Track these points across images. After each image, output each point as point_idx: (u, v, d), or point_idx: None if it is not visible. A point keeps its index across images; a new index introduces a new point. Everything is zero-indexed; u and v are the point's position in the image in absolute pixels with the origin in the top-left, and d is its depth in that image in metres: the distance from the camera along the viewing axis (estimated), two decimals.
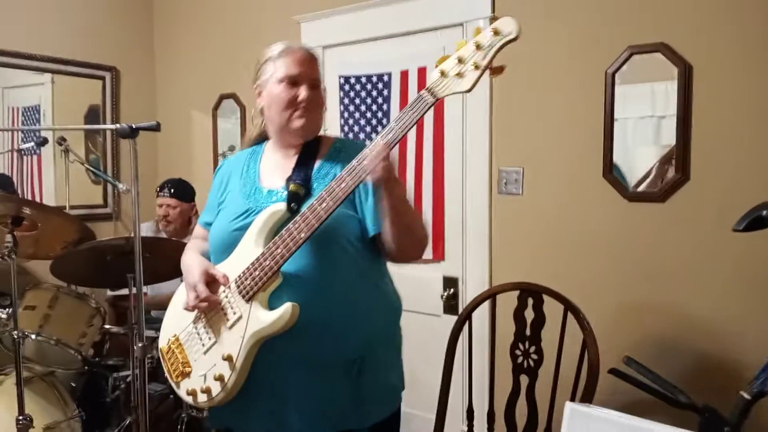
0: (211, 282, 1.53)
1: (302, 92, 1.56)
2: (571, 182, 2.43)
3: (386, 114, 2.95)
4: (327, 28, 3.13)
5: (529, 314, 2.07)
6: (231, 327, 1.49)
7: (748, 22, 2.04)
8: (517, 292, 2.10)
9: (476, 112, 2.65)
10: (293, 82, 1.57)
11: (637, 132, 2.30)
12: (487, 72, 1.33)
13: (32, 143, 3.34)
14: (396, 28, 2.87)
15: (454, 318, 2.22)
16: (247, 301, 1.47)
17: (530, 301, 2.07)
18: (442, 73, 1.35)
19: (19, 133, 3.46)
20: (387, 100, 2.95)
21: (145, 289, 3.27)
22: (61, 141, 3.36)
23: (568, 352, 2.00)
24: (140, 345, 2.08)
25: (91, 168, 3.40)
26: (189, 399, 1.56)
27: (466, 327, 2.15)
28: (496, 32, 1.30)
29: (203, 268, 1.55)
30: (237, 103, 3.62)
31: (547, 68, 2.45)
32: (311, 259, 1.46)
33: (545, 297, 2.05)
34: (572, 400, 1.96)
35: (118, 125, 2.00)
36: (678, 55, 2.16)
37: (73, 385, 2.84)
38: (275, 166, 1.63)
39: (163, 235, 3.32)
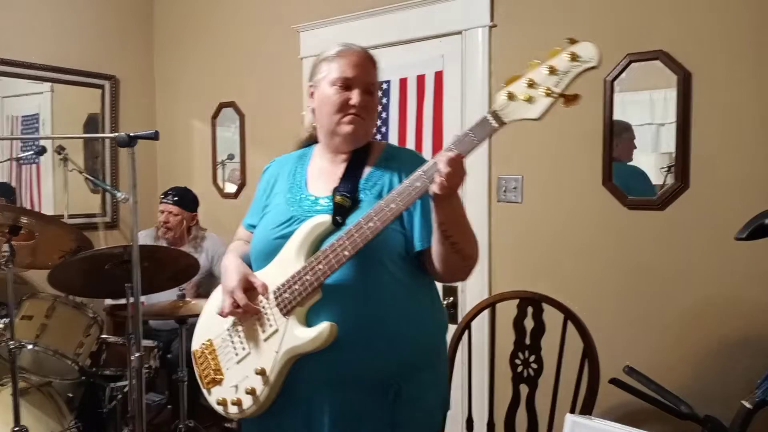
0: (250, 289, 1.50)
1: (355, 96, 1.50)
2: (570, 190, 2.42)
3: (385, 122, 2.95)
4: (326, 36, 3.13)
5: (529, 323, 2.06)
6: (266, 339, 1.46)
7: (747, 29, 2.04)
8: (516, 301, 2.09)
9: (474, 120, 2.64)
10: (346, 85, 1.50)
11: (637, 139, 2.30)
12: (561, 100, 1.21)
13: (31, 152, 3.34)
14: (395, 36, 2.87)
15: (454, 327, 2.21)
16: (285, 314, 1.44)
17: (530, 310, 2.06)
18: (510, 96, 1.24)
19: (18, 142, 3.47)
20: (386, 108, 2.95)
21: (143, 298, 3.27)
22: (60, 150, 3.36)
23: (569, 361, 1.98)
24: (137, 355, 2.07)
25: (89, 177, 3.40)
26: (219, 408, 1.54)
27: (465, 336, 2.13)
28: (573, 57, 1.19)
29: (243, 274, 1.51)
30: (236, 111, 3.63)
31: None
32: (353, 276, 1.41)
33: (545, 306, 2.04)
34: (572, 410, 1.95)
35: (116, 134, 2.00)
36: (677, 63, 2.15)
37: (70, 395, 2.82)
38: (322, 172, 1.58)
39: (163, 242, 3.32)
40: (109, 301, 3.39)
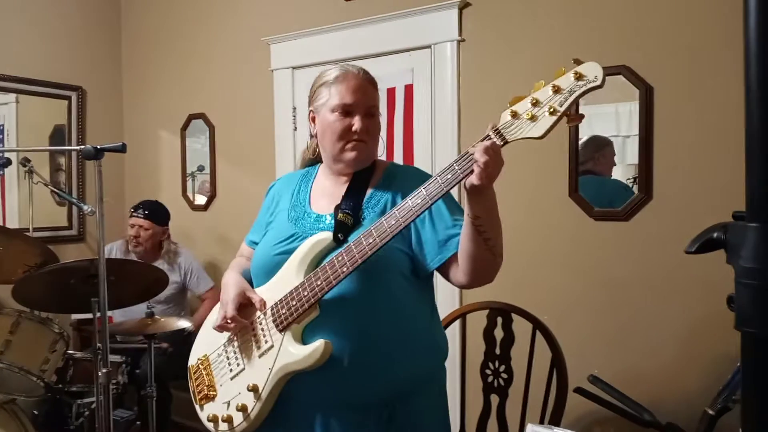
0: (247, 305, 1.49)
1: (356, 123, 1.48)
2: (538, 201, 2.46)
3: None
4: (296, 49, 3.14)
5: (499, 333, 2.08)
6: (261, 356, 1.44)
7: (706, 45, 2.11)
8: (486, 312, 2.11)
9: (444, 133, 2.68)
10: (347, 111, 1.48)
11: None
12: (564, 119, 1.21)
13: None
14: (365, 49, 2.89)
15: None
16: (281, 330, 1.42)
17: (500, 320, 2.08)
18: (514, 114, 1.24)
19: None
20: None
21: (110, 313, 3.22)
22: (25, 162, 3.31)
23: (538, 370, 2.01)
24: (104, 371, 2.04)
25: (55, 189, 3.34)
26: (210, 425, 1.51)
27: None
28: (579, 76, 1.19)
29: (240, 289, 1.51)
30: (206, 123, 3.61)
31: (512, 89, 2.48)
32: (351, 294, 1.39)
33: (514, 316, 2.07)
34: (542, 418, 1.97)
35: (82, 147, 1.98)
36: (639, 77, 2.22)
37: (36, 412, 2.75)
38: (326, 191, 1.56)
39: (133, 255, 3.28)
40: (76, 315, 3.33)
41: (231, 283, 1.54)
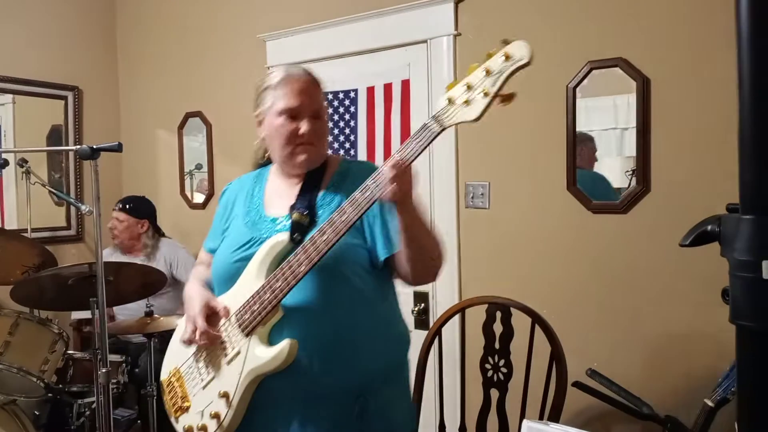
0: (212, 315, 1.49)
1: (303, 126, 1.49)
2: (536, 195, 2.46)
3: (354, 130, 2.96)
4: (292, 46, 3.13)
5: (498, 328, 2.08)
6: (229, 362, 1.45)
7: (703, 37, 2.10)
8: (485, 306, 2.11)
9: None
10: (293, 115, 1.50)
11: (601, 144, 2.35)
12: (497, 100, 1.25)
13: None
14: (361, 45, 2.88)
15: (425, 333, 2.22)
16: (246, 335, 1.42)
17: (498, 315, 2.08)
18: (449, 101, 1.28)
19: None
20: (354, 116, 2.96)
21: (112, 311, 3.22)
22: (23, 163, 3.30)
23: (537, 364, 2.01)
24: (104, 370, 2.04)
25: (52, 190, 3.34)
26: None
27: (436, 342, 2.15)
28: (507, 57, 1.23)
29: (204, 300, 1.50)
30: (203, 121, 3.60)
31: (510, 83, 2.48)
32: (314, 292, 1.41)
33: (513, 310, 2.06)
34: (541, 413, 1.97)
35: (78, 147, 1.97)
36: (636, 69, 2.21)
37: (37, 413, 2.75)
38: (280, 193, 1.58)
39: (118, 251, 3.35)
40: (76, 315, 3.34)
41: (195, 296, 1.54)
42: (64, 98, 3.74)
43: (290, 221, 1.47)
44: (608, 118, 2.33)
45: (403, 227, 1.36)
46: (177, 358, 1.61)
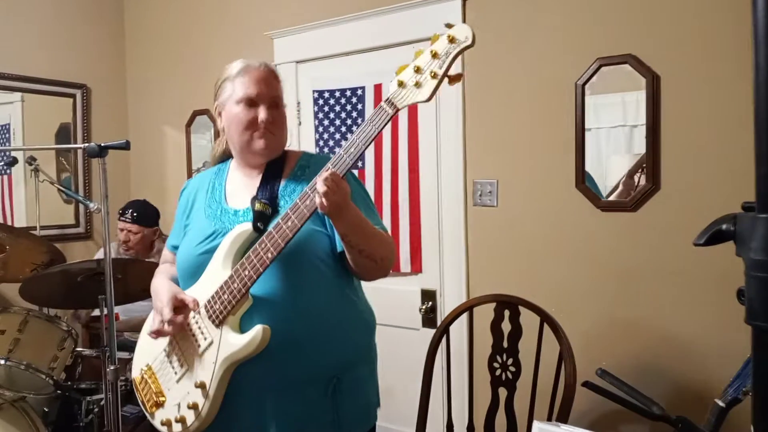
0: (181, 307, 1.49)
1: (261, 113, 1.52)
2: (544, 193, 2.44)
3: None
4: (300, 43, 3.13)
5: (506, 326, 2.07)
6: (203, 353, 1.46)
7: (713, 33, 2.08)
8: (493, 305, 2.10)
9: (449, 126, 2.66)
10: (252, 102, 1.52)
11: (610, 141, 2.32)
12: (446, 80, 1.30)
13: (2, 163, 3.29)
14: (369, 42, 2.87)
15: (433, 331, 2.22)
16: (218, 325, 1.44)
17: (507, 313, 2.07)
18: (401, 84, 1.33)
19: None
20: (361, 113, 2.95)
21: (117, 310, 3.23)
22: (31, 161, 3.32)
23: (546, 363, 2.00)
24: (112, 368, 2.04)
25: (61, 187, 3.35)
26: (164, 429, 1.53)
27: (444, 340, 2.14)
28: (451, 39, 1.28)
29: (172, 293, 1.51)
30: (210, 119, 3.60)
31: (518, 81, 2.47)
32: (281, 278, 1.43)
33: (521, 309, 2.05)
34: (550, 412, 1.96)
35: (86, 145, 1.97)
36: (645, 66, 2.19)
37: (46, 410, 2.77)
38: (240, 186, 1.60)
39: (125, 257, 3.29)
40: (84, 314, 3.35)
41: (162, 289, 1.55)
42: (73, 96, 3.76)
43: (252, 211, 1.49)
44: (617, 115, 2.31)
45: (341, 235, 1.40)
46: (147, 355, 1.62)
